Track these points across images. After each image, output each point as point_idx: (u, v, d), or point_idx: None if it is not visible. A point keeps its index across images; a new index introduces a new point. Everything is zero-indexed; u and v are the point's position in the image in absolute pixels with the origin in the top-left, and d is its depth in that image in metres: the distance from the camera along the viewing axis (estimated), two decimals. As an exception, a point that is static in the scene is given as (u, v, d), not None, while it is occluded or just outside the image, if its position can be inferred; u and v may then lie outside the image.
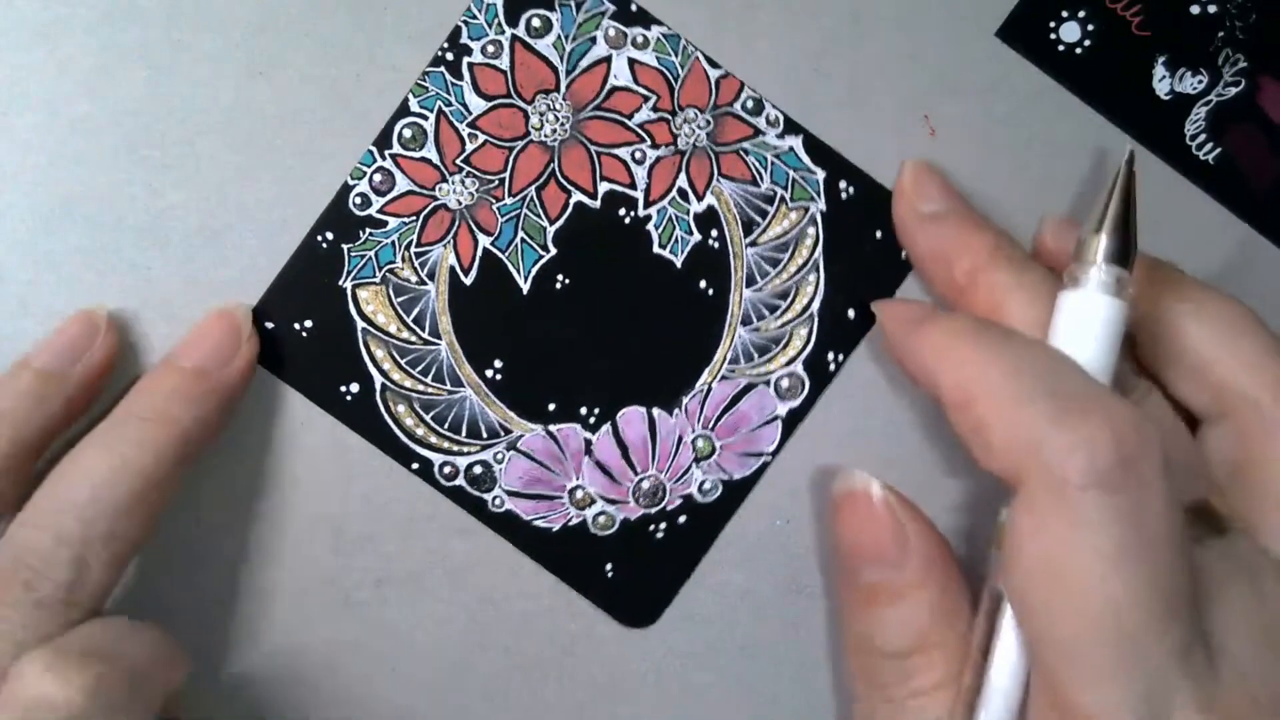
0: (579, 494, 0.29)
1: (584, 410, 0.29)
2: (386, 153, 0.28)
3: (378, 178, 0.28)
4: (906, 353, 0.26)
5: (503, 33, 0.28)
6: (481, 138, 0.28)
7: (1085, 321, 0.24)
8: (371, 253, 0.28)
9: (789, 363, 0.29)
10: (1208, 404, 0.26)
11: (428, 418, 0.29)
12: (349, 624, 0.29)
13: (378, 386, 0.28)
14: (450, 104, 0.28)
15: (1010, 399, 0.23)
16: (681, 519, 0.29)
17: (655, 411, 0.29)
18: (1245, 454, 0.25)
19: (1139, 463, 0.22)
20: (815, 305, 0.29)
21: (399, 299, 0.28)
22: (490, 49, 0.28)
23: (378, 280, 0.28)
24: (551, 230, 0.29)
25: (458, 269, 0.29)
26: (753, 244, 0.29)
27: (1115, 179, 0.25)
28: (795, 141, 0.29)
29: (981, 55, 0.29)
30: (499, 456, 0.29)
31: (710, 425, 0.29)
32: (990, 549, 0.25)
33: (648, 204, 0.29)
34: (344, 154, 0.28)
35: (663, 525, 0.29)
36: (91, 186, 0.28)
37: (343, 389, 0.28)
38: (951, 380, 0.24)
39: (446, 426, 0.29)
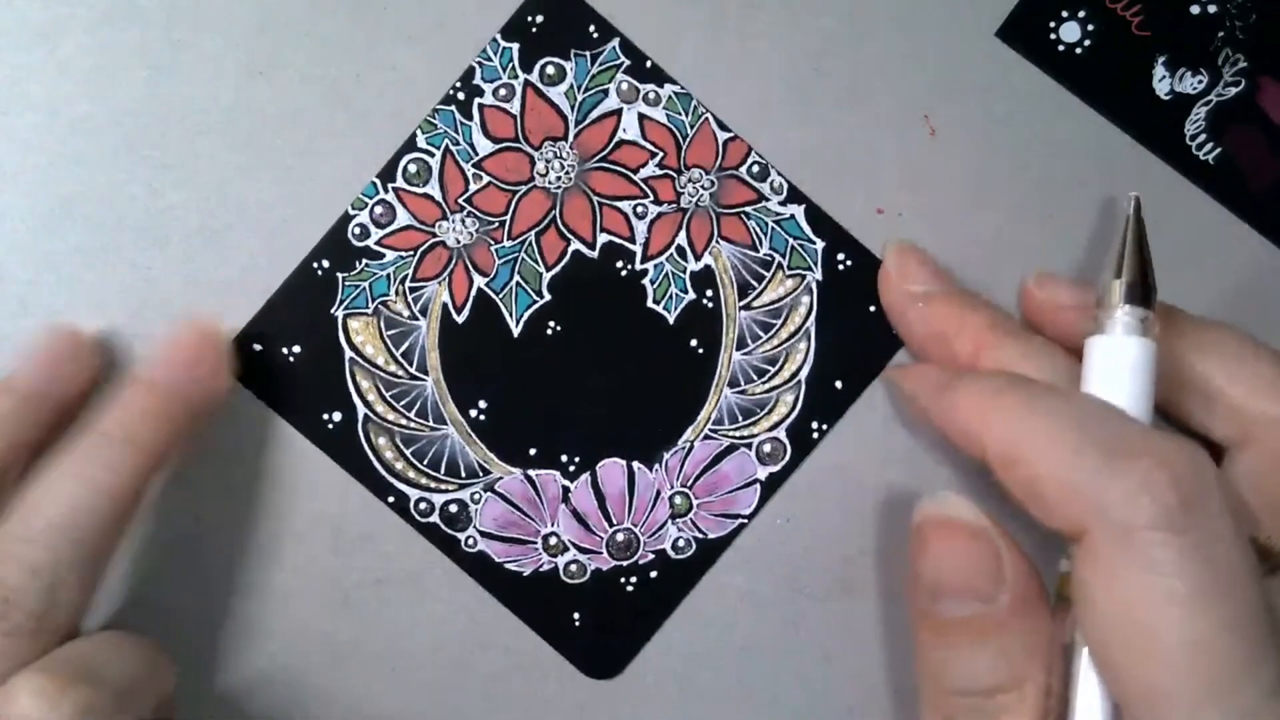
0: (553, 540, 0.29)
1: (564, 458, 0.29)
2: (390, 186, 0.28)
3: (379, 210, 0.28)
4: (941, 415, 0.26)
5: (516, 77, 0.28)
6: (486, 179, 0.28)
7: (1118, 365, 0.24)
8: (366, 284, 0.28)
9: (773, 428, 0.29)
10: (1230, 434, 0.26)
11: (408, 452, 0.29)
12: (348, 624, 0.29)
13: (360, 417, 0.28)
14: (458, 143, 0.28)
15: (1062, 452, 0.23)
16: (653, 574, 0.29)
17: (635, 465, 0.29)
18: (1276, 475, 0.25)
19: (1201, 499, 0.21)
20: (804, 373, 0.29)
21: (389, 332, 0.28)
22: (502, 92, 0.28)
23: (370, 311, 0.28)
24: (547, 276, 0.29)
25: (450, 307, 0.29)
26: (746, 307, 0.29)
27: (1126, 224, 0.25)
28: (797, 210, 0.29)
29: (981, 55, 0.29)
30: (476, 497, 0.29)
31: (689, 483, 0.29)
32: (1054, 600, 0.25)
33: (645, 258, 0.29)
34: (347, 159, 0.28)
35: (634, 578, 0.29)
36: (91, 186, 0.28)
37: (325, 417, 0.28)
38: (998, 439, 0.24)
39: (426, 463, 0.29)
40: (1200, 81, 0.30)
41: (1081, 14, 0.29)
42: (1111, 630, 0.22)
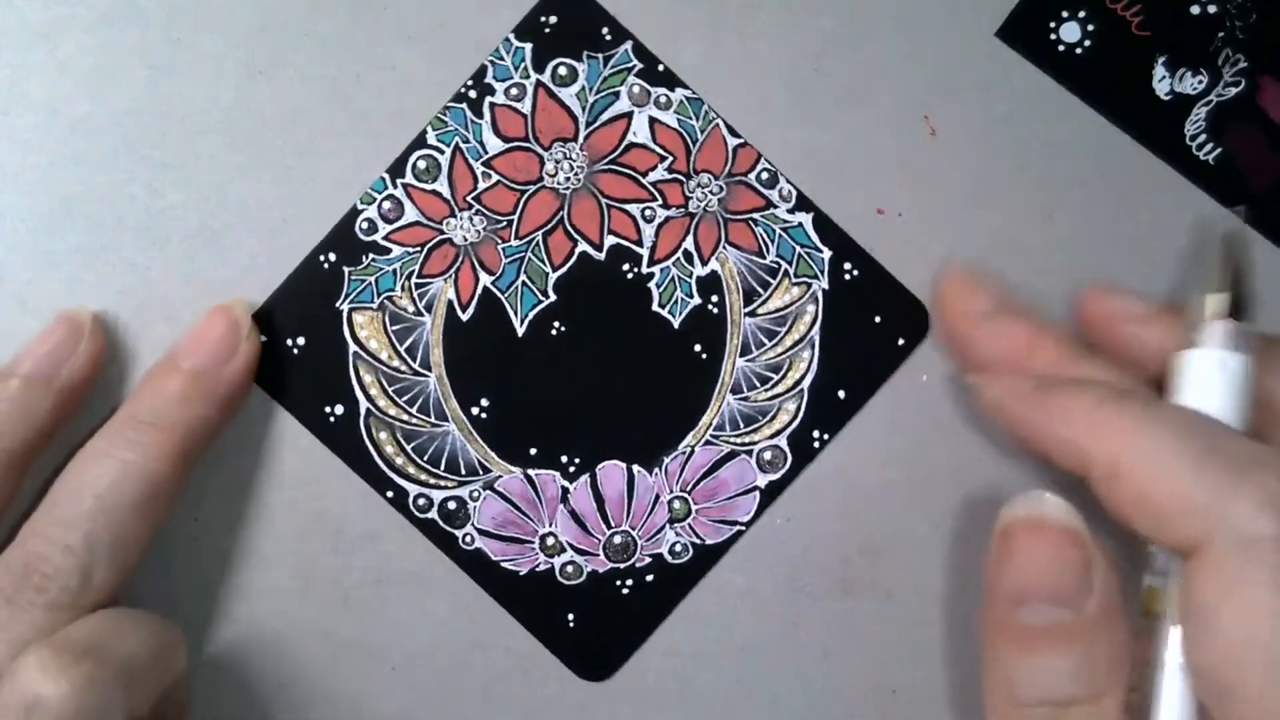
0: (550, 541, 0.29)
1: (564, 458, 0.29)
2: (399, 181, 0.28)
3: (387, 205, 0.28)
4: (1035, 424, 0.25)
5: (528, 77, 0.28)
6: (495, 177, 0.28)
7: (1219, 379, 0.24)
8: (372, 278, 0.28)
9: (774, 436, 0.29)
10: None
11: (409, 448, 0.29)
12: (348, 623, 0.29)
13: (362, 411, 0.28)
14: (468, 141, 0.28)
15: (1177, 465, 0.22)
16: (649, 578, 0.29)
17: (635, 468, 0.29)
18: None
19: None
20: (807, 382, 0.29)
21: (394, 327, 0.28)
22: (514, 91, 0.28)
23: (375, 306, 0.28)
24: (554, 277, 0.29)
25: (456, 304, 0.29)
26: (751, 314, 0.29)
27: (1230, 238, 0.25)
28: (805, 218, 0.29)
29: (981, 55, 0.29)
30: (475, 495, 0.29)
31: (688, 488, 0.29)
32: (1141, 618, 0.24)
33: (652, 262, 0.29)
34: (347, 159, 0.28)
35: (629, 582, 0.29)
36: (91, 186, 0.28)
37: (327, 409, 0.28)
38: (1104, 451, 0.23)
39: (426, 459, 0.29)
40: (1200, 81, 0.29)
41: (1081, 14, 0.29)
42: (1240, 651, 0.21)
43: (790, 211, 0.29)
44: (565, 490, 0.29)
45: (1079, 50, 0.29)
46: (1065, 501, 0.24)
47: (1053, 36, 0.29)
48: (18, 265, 0.28)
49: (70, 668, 0.22)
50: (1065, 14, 0.29)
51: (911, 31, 0.29)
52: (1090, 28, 0.29)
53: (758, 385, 0.29)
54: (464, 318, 0.29)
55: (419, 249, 0.28)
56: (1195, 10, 0.29)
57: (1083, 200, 0.29)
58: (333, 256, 0.28)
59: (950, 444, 0.29)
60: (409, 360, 0.29)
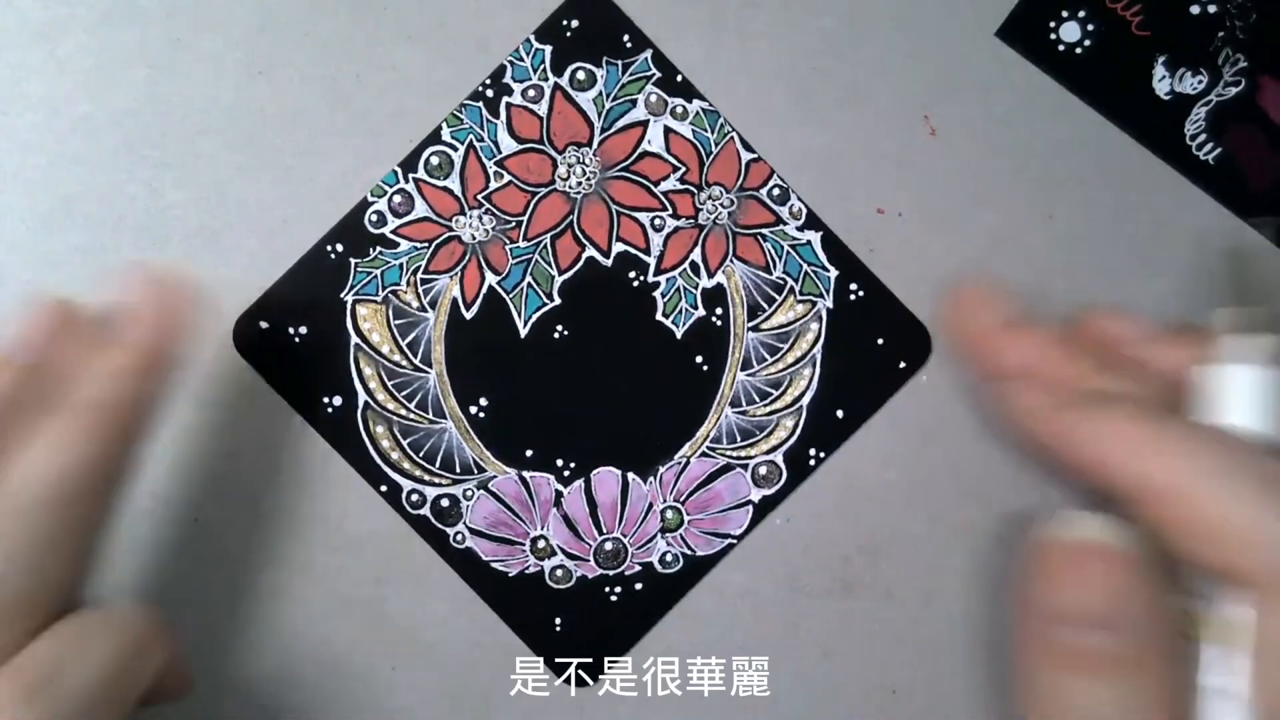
0: (541, 544, 0.29)
1: (560, 462, 0.29)
2: (410, 176, 0.28)
3: (397, 199, 0.28)
4: (1066, 438, 0.25)
5: (546, 80, 0.28)
6: (507, 178, 0.28)
7: (1253, 395, 0.24)
8: (378, 271, 0.28)
9: (770, 451, 0.29)
10: None
11: (405, 443, 0.29)
12: (348, 623, 0.29)
13: (360, 404, 0.28)
14: (482, 139, 0.28)
15: (1229, 491, 0.22)
16: (638, 586, 0.29)
17: (630, 475, 0.29)
18: None
19: None
20: (806, 399, 0.29)
21: (397, 321, 0.28)
22: (531, 93, 0.28)
23: (379, 299, 0.28)
24: (559, 280, 0.29)
25: (460, 302, 0.29)
26: (755, 329, 0.29)
27: (1250, 256, 0.25)
28: (814, 236, 0.29)
29: (981, 55, 0.29)
30: (468, 493, 0.29)
31: (682, 499, 0.29)
32: (1189, 640, 0.24)
33: (659, 271, 0.29)
34: (346, 159, 0.28)
35: (618, 589, 0.29)
36: (91, 186, 0.28)
37: (325, 400, 0.28)
38: (1148, 472, 0.23)
39: (422, 455, 0.29)
40: (1200, 81, 0.29)
41: (1081, 14, 0.29)
42: None
43: (799, 229, 0.29)
44: (559, 494, 0.29)
45: (1079, 50, 0.29)
46: (1113, 523, 0.24)
47: (1053, 36, 0.29)
48: (18, 265, 0.28)
49: (27, 706, 0.21)
50: (1065, 14, 0.29)
51: (911, 31, 0.29)
52: (1090, 28, 0.29)
53: (757, 400, 0.29)
54: (467, 316, 0.29)
55: (427, 245, 0.28)
56: (1195, 10, 0.30)
57: (1083, 200, 0.29)
58: (340, 247, 0.28)
59: (950, 445, 0.29)
60: (410, 355, 0.28)
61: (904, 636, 0.29)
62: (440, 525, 0.29)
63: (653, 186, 0.29)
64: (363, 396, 0.28)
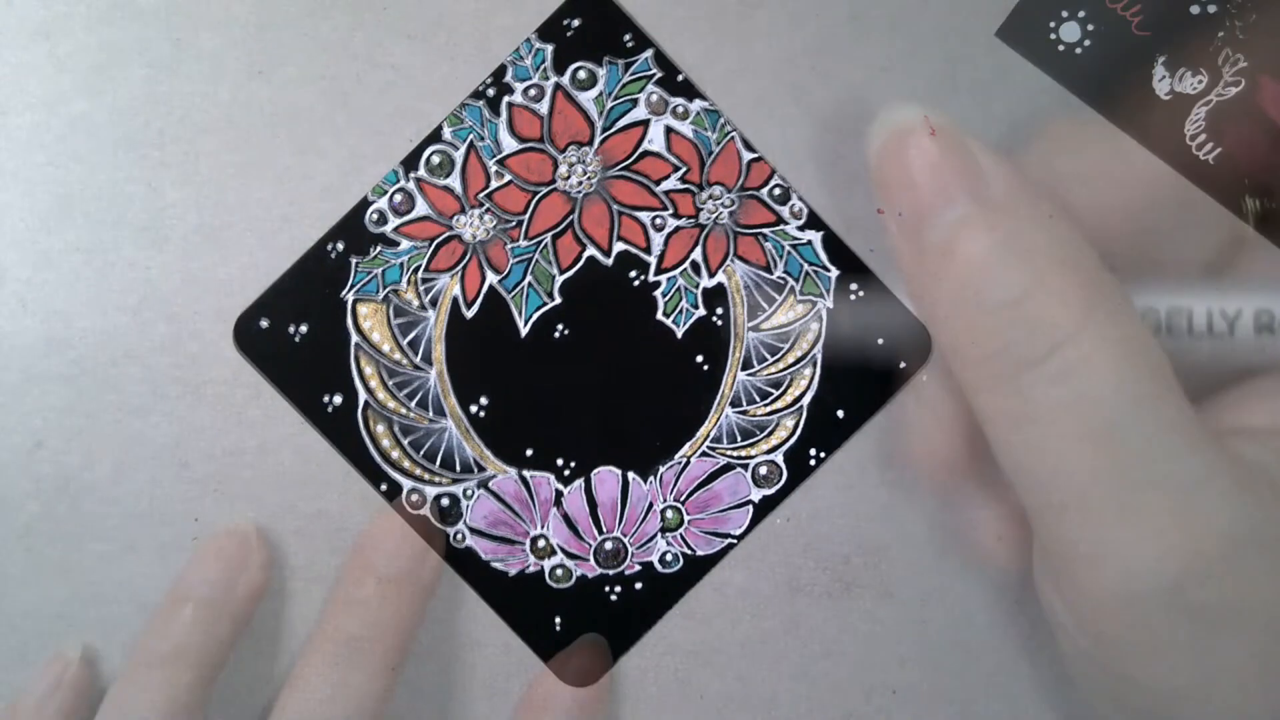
0: (541, 543, 0.29)
1: (560, 461, 0.29)
2: (411, 175, 0.28)
3: (398, 198, 0.28)
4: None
5: (547, 79, 0.28)
6: (507, 177, 0.28)
7: None
8: (379, 270, 0.28)
9: (770, 451, 0.29)
10: None
11: (405, 442, 0.28)
12: (348, 623, 0.28)
13: (360, 402, 0.28)
14: (483, 139, 0.28)
15: None
16: (638, 585, 0.29)
17: (630, 475, 0.29)
18: None
19: None
20: (806, 399, 0.29)
21: (397, 320, 0.28)
22: (532, 92, 0.28)
23: (379, 298, 0.28)
24: (560, 279, 0.29)
25: (461, 301, 0.29)
26: (755, 328, 0.29)
27: None
28: (815, 236, 0.29)
29: (981, 55, 0.29)
30: (468, 493, 0.29)
31: (682, 499, 0.29)
32: None
33: (659, 270, 0.29)
34: (347, 159, 0.28)
35: (618, 589, 0.29)
36: (90, 185, 0.28)
37: (325, 399, 0.28)
38: None
39: (422, 454, 0.29)
40: (1200, 81, 0.29)
41: (1081, 14, 0.29)
42: None
43: (801, 229, 0.29)
44: (559, 493, 0.29)
45: (1079, 50, 0.29)
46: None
47: (1053, 36, 0.29)
48: (17, 263, 0.28)
49: None
50: (1065, 14, 0.29)
51: (911, 31, 0.29)
52: (1090, 28, 0.29)
53: (757, 400, 0.29)
54: (468, 315, 0.29)
55: (427, 244, 0.28)
56: (1195, 10, 0.29)
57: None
58: (340, 246, 0.28)
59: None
60: (410, 354, 0.28)
61: (904, 636, 0.29)
62: (440, 525, 0.29)
63: (653, 186, 0.29)
64: (363, 395, 0.28)
